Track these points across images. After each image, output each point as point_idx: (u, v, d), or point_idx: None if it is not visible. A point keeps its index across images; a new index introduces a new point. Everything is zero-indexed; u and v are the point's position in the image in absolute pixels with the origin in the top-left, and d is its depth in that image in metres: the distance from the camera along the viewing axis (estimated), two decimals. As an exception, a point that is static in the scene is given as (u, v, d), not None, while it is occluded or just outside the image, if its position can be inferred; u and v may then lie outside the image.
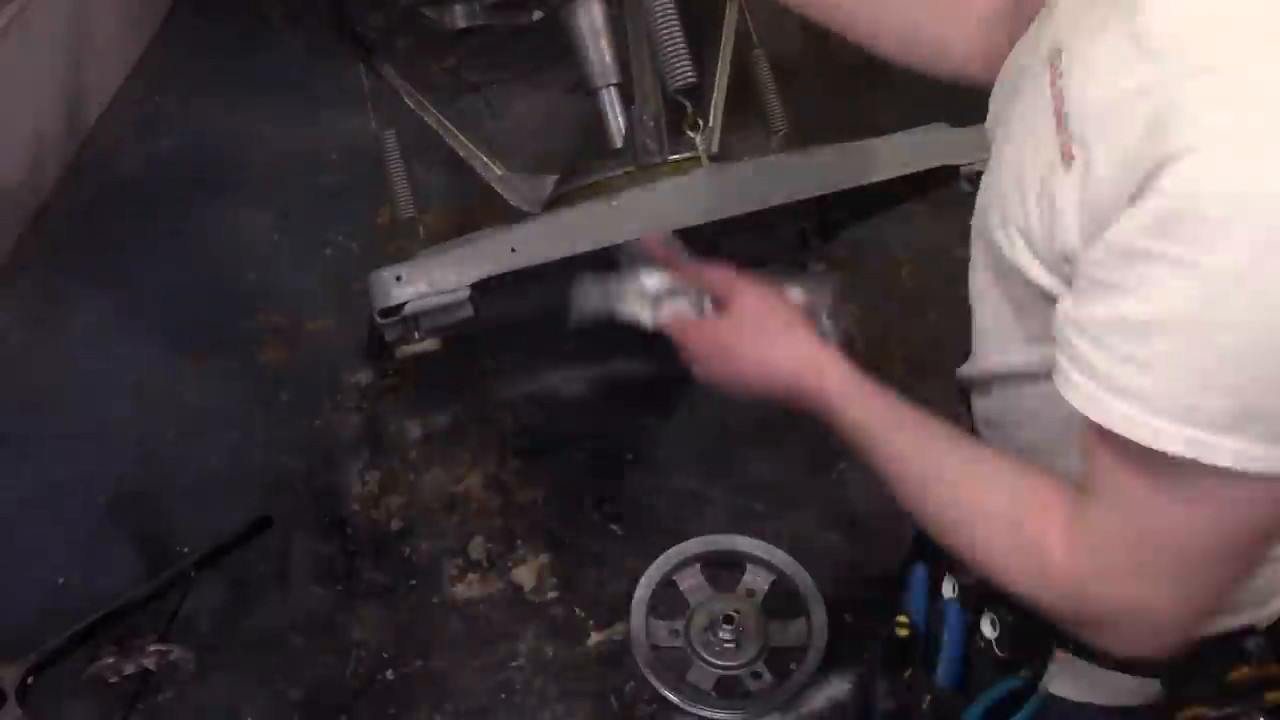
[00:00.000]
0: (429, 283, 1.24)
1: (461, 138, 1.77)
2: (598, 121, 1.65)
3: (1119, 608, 0.72)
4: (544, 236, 1.29)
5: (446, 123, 1.79)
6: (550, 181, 1.60)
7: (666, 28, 1.30)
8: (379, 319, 1.25)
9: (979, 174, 1.31)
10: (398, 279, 1.24)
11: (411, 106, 1.83)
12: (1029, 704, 0.89)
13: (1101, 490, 0.70)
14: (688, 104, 1.35)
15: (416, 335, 1.28)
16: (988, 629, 0.92)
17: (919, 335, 1.99)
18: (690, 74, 1.31)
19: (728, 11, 1.88)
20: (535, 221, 1.34)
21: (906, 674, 0.98)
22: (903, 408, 0.88)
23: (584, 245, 1.29)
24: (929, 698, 0.96)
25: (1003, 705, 0.90)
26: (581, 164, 1.51)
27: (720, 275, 0.99)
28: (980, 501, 0.81)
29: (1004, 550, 0.79)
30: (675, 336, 1.02)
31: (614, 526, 1.72)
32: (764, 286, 0.97)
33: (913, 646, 0.98)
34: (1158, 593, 0.70)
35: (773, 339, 0.95)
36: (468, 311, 1.26)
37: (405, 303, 1.23)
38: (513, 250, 1.27)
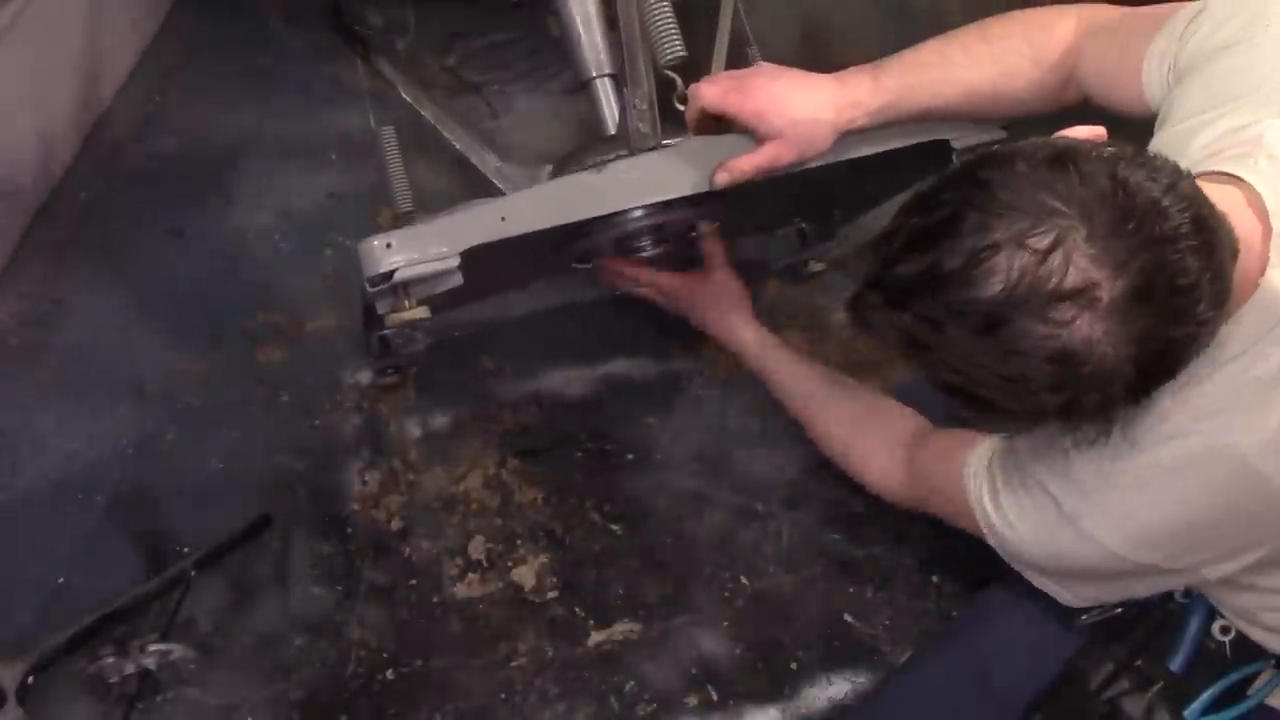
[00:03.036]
0: (419, 250, 1.24)
1: (458, 129, 1.77)
2: (597, 120, 1.65)
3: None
4: (533, 205, 1.29)
5: (443, 115, 1.79)
6: (546, 172, 1.60)
7: (656, 4, 1.31)
8: (368, 288, 1.25)
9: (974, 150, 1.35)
10: (387, 246, 1.23)
11: (409, 101, 1.83)
12: (1246, 702, 1.14)
13: (930, 473, 1.31)
14: (678, 79, 1.35)
15: (407, 303, 1.27)
16: (1218, 633, 1.18)
17: (919, 335, 1.99)
18: (680, 48, 1.32)
19: (722, 9, 1.88)
20: (525, 191, 1.34)
21: (1137, 662, 1.22)
22: (797, 360, 1.59)
23: (573, 215, 1.29)
24: (1161, 683, 1.20)
25: (1223, 698, 1.16)
26: (575, 151, 1.51)
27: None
28: (846, 432, 1.48)
29: (856, 461, 1.47)
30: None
31: (614, 526, 1.72)
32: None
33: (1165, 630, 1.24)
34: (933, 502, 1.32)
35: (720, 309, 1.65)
36: (457, 280, 1.26)
37: (395, 270, 1.23)
38: (503, 219, 1.27)
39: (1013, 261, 0.84)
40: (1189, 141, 1.02)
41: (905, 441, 1.36)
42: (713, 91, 1.30)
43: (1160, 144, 1.07)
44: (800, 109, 1.24)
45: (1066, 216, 0.83)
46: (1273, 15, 1.03)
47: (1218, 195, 0.93)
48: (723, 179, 1.30)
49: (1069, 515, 1.04)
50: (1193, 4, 1.11)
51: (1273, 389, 0.95)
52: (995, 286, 0.84)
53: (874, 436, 1.42)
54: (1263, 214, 0.95)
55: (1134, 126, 1.12)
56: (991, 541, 1.18)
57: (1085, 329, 0.83)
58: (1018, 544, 1.14)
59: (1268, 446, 0.95)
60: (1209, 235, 0.87)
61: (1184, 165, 0.92)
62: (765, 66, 1.35)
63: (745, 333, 1.62)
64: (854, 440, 1.46)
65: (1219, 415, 0.96)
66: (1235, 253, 0.91)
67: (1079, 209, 0.84)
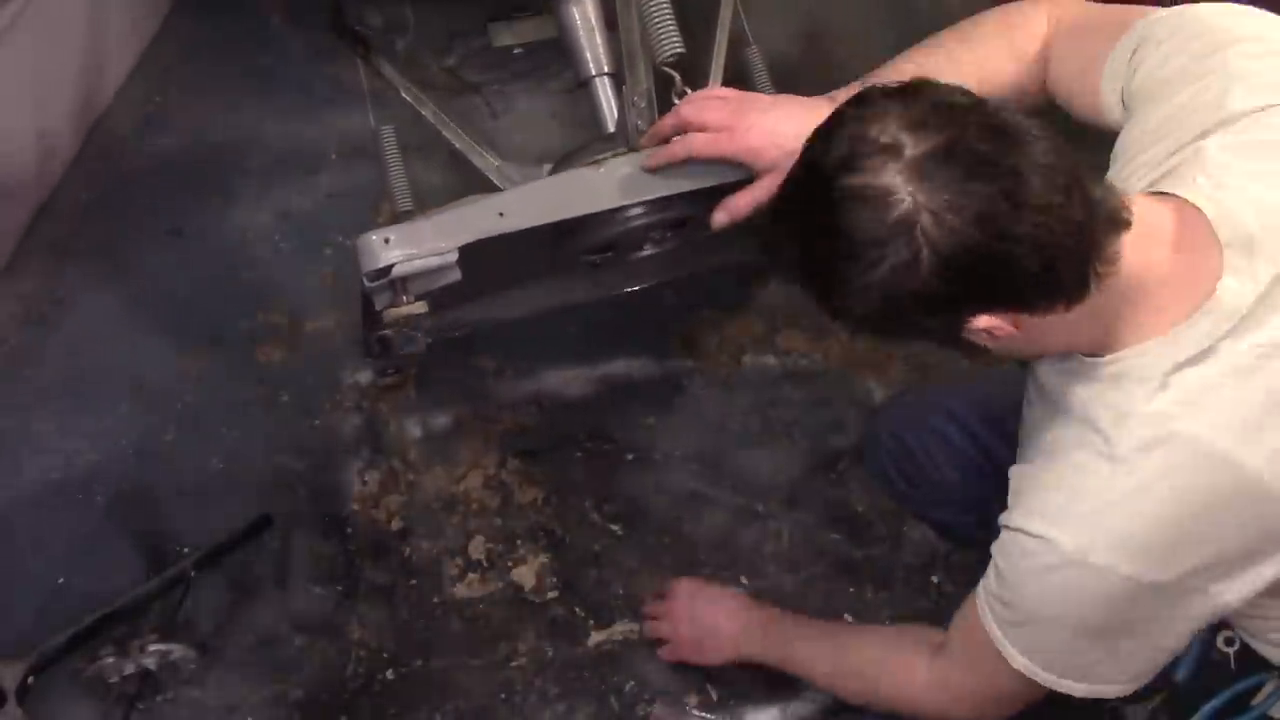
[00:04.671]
0: (417, 245, 1.25)
1: (458, 130, 1.77)
2: (596, 119, 1.65)
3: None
4: (531, 201, 1.29)
5: (443, 115, 1.79)
6: (545, 170, 1.60)
7: (655, 1, 1.31)
8: (367, 282, 1.26)
9: None
10: (386, 241, 1.24)
11: (409, 101, 1.83)
12: (1249, 713, 1.14)
13: (961, 652, 1.18)
14: (676, 76, 1.35)
15: (405, 299, 1.28)
16: (1223, 644, 1.17)
17: (919, 335, 1.99)
18: (678, 45, 1.32)
19: (721, 9, 1.88)
20: (523, 187, 1.34)
21: None
22: (795, 629, 1.47)
23: (571, 211, 1.29)
24: (1164, 693, 1.20)
25: (1226, 709, 1.15)
26: (575, 150, 1.51)
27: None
28: (868, 672, 1.33)
29: (891, 694, 1.30)
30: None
31: (614, 526, 1.72)
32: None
33: None
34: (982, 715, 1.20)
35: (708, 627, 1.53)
36: (455, 275, 1.26)
37: (393, 265, 1.24)
38: (500, 214, 1.27)
39: (845, 134, 0.94)
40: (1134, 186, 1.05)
41: (934, 644, 1.25)
42: (702, 141, 1.26)
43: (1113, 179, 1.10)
44: (796, 140, 1.20)
45: (901, 120, 0.92)
46: (1218, 59, 1.04)
47: (1153, 210, 0.98)
48: (721, 219, 1.28)
49: (1075, 553, 1.00)
50: (1141, 27, 1.11)
51: (1238, 383, 0.97)
52: (833, 152, 0.94)
53: (901, 655, 1.30)
54: (1205, 228, 0.98)
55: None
56: (1034, 662, 1.09)
57: (889, 177, 0.90)
58: (1046, 626, 1.06)
59: (1241, 438, 0.96)
60: (1032, 145, 0.90)
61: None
62: (758, 98, 1.30)
63: (739, 619, 1.52)
64: (885, 664, 1.32)
65: (1189, 414, 0.97)
66: (1118, 222, 0.94)
67: (917, 116, 0.92)
